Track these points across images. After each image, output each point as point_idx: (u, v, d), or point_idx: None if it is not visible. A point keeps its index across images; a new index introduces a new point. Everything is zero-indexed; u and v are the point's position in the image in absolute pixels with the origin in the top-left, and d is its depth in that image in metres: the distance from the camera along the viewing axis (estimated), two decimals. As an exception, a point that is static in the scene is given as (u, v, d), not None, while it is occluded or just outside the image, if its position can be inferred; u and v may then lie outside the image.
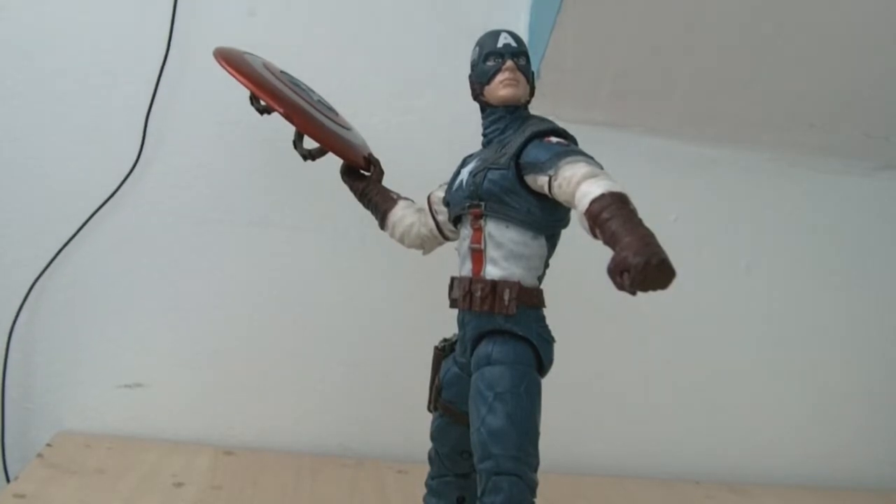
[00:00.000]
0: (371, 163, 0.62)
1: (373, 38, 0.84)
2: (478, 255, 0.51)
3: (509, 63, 0.52)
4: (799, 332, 0.96)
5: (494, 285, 0.49)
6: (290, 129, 0.61)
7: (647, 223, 0.41)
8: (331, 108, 0.66)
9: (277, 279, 0.83)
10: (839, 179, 0.95)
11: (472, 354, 0.51)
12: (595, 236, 0.42)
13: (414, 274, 0.73)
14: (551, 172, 0.46)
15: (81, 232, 0.79)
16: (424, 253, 0.61)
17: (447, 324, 0.55)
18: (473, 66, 0.54)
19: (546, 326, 0.51)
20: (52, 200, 0.79)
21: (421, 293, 0.70)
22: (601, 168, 0.46)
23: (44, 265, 0.78)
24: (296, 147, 0.62)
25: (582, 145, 0.49)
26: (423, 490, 0.59)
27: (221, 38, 0.65)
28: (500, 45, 0.52)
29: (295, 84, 0.64)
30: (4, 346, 0.78)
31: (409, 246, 0.60)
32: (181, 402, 0.83)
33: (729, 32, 0.80)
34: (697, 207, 0.92)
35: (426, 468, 0.59)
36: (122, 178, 0.79)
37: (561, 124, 0.51)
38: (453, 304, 0.53)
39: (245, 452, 0.80)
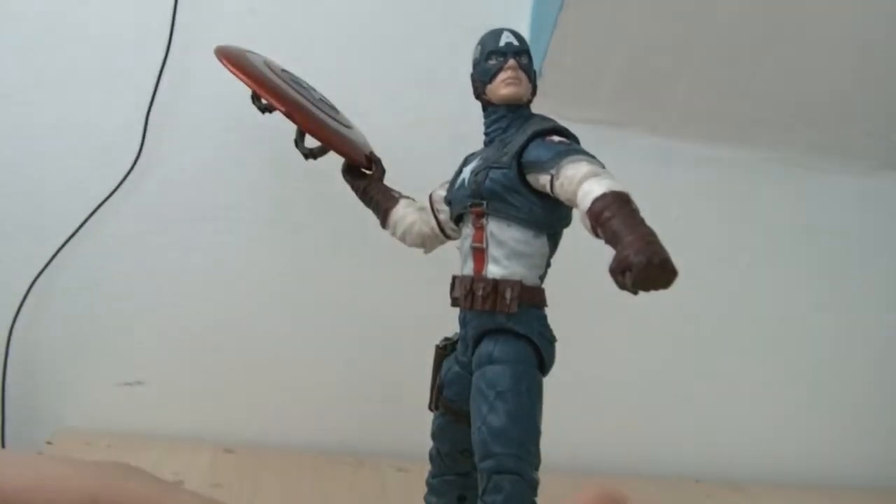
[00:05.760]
0: (372, 161, 0.62)
1: (373, 36, 0.84)
2: (479, 254, 0.51)
3: (511, 62, 0.52)
4: (799, 331, 0.96)
5: (496, 284, 0.49)
6: (291, 128, 0.61)
7: (649, 222, 0.41)
8: (332, 107, 0.66)
9: (278, 277, 0.83)
10: (839, 179, 0.95)
11: (473, 353, 0.51)
12: (597, 235, 0.42)
13: (415, 272, 0.73)
14: (553, 171, 0.46)
15: (82, 230, 0.79)
16: (426, 251, 0.61)
17: (449, 322, 0.55)
18: (475, 64, 0.54)
19: (548, 325, 0.51)
20: (52, 198, 0.79)
21: (422, 292, 0.70)
22: (603, 167, 0.46)
23: (44, 263, 0.78)
24: (297, 145, 0.62)
25: (583, 144, 0.49)
26: (424, 489, 0.59)
27: (222, 36, 0.64)
28: (501, 43, 0.52)
29: (296, 82, 0.64)
30: (5, 344, 0.78)
31: (411, 244, 0.60)
32: (181, 400, 0.83)
33: (729, 32, 0.80)
34: (698, 207, 0.92)
35: (427, 466, 0.59)
36: (122, 177, 0.79)
37: (562, 123, 0.51)
38: (455, 302, 0.53)
39: (245, 450, 0.80)
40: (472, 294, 0.50)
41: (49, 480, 0.33)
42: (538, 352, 0.50)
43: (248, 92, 0.60)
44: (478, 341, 0.51)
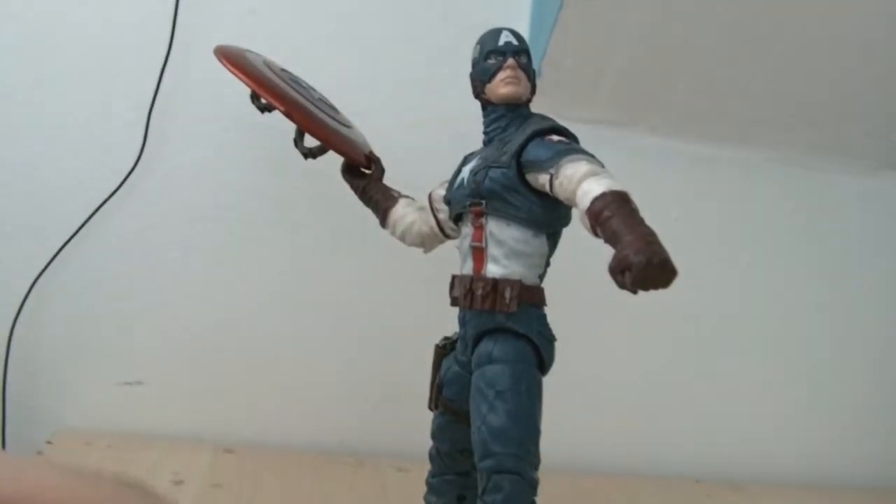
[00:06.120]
0: (372, 161, 0.62)
1: (373, 36, 0.84)
2: (479, 254, 0.51)
3: (510, 61, 0.52)
4: (798, 331, 0.96)
5: (495, 283, 0.49)
6: (291, 127, 0.61)
7: (649, 222, 0.41)
8: (331, 106, 0.66)
9: (278, 276, 0.83)
10: (839, 179, 0.95)
11: (472, 353, 0.51)
12: (596, 235, 0.42)
13: (415, 272, 0.73)
14: (552, 171, 0.46)
15: (83, 229, 0.79)
16: (425, 251, 0.61)
17: (448, 322, 0.55)
18: (475, 64, 0.54)
19: (547, 325, 0.51)
20: (53, 198, 0.79)
21: (422, 291, 0.70)
22: (602, 166, 0.46)
23: (45, 263, 0.78)
24: (297, 145, 0.62)
25: (583, 144, 0.49)
26: (424, 488, 0.59)
27: (222, 36, 0.65)
28: (501, 42, 0.52)
29: (295, 82, 0.64)
30: (5, 343, 0.78)
31: (410, 244, 0.60)
32: (181, 400, 0.83)
33: (729, 32, 0.80)
34: (697, 207, 0.92)
35: (426, 466, 0.59)
36: (123, 177, 0.79)
37: (562, 123, 0.51)
38: (454, 302, 0.53)
39: (245, 450, 0.80)
40: (472, 293, 0.50)
41: (48, 488, 0.33)
42: (538, 351, 0.50)
43: (248, 92, 0.60)
44: (477, 341, 0.51)
